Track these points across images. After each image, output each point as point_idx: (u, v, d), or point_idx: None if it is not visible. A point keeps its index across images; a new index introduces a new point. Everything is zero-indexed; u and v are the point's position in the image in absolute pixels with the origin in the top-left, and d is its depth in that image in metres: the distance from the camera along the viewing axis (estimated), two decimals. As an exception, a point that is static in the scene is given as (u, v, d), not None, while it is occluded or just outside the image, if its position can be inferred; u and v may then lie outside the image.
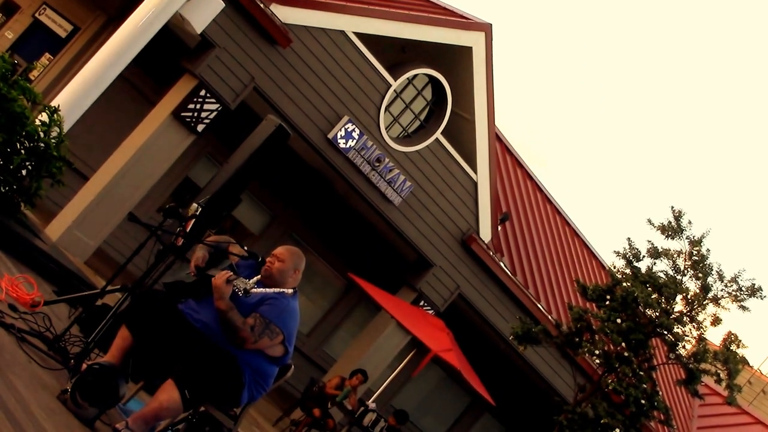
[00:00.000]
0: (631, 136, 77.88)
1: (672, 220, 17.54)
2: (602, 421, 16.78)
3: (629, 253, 17.64)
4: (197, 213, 7.44)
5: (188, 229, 7.27)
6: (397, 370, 15.94)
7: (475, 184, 17.76)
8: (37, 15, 17.16)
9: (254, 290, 6.35)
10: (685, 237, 17.49)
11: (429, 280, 18.03)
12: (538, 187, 22.99)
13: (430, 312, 17.92)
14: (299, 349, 20.23)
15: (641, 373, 16.84)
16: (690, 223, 17.50)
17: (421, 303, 18.07)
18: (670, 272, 17.47)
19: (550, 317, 19.25)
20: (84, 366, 6.44)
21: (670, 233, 17.49)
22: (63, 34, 16.95)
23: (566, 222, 24.06)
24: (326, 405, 15.69)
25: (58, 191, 12.76)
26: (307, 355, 20.86)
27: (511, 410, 24.56)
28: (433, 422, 24.35)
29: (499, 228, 18.87)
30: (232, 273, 6.37)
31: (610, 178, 77.73)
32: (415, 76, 16.77)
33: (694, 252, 17.39)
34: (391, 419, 15.78)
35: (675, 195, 75.44)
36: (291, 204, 19.71)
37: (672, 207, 17.58)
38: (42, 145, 10.39)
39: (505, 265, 18.79)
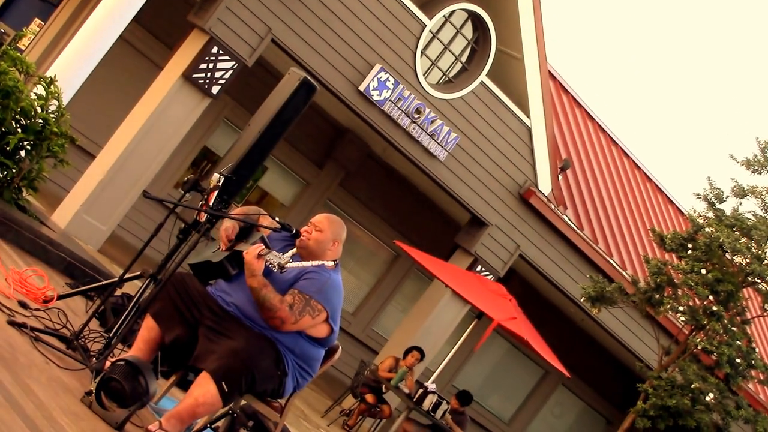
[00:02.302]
0: (705, 60, 76.78)
1: (758, 153, 17.35)
2: (693, 386, 16.73)
3: (711, 194, 17.50)
4: (219, 184, 7.43)
5: (211, 203, 7.27)
6: (456, 346, 15.91)
7: (530, 130, 17.64)
8: (22, -23, 17.22)
9: (290, 265, 6.33)
10: (774, 171, 17.33)
11: (485, 242, 17.97)
12: (601, 128, 22.81)
13: (489, 277, 17.88)
14: (345, 329, 20.32)
15: (734, 328, 16.74)
16: (779, 154, 17.32)
17: (478, 268, 18.04)
18: (760, 212, 17.32)
19: (624, 273, 19.14)
20: (108, 363, 6.47)
21: (756, 168, 17.32)
22: (53, -4, 17.03)
23: (636, 165, 23.88)
24: (380, 390, 15.74)
25: (62, 172, 12.85)
26: (354, 335, 20.96)
27: (589, 381, 24.57)
28: (502, 401, 24.41)
29: (560, 177, 18.74)
30: (264, 247, 6.35)
31: (682, 109, 76.72)
32: (452, 12, 16.63)
33: (787, 187, 17.22)
34: (454, 401, 15.78)
35: (760, 124, 74.39)
36: (324, 168, 19.73)
37: (757, 138, 17.40)
38: (40, 121, 10.43)
39: (569, 219, 18.69)
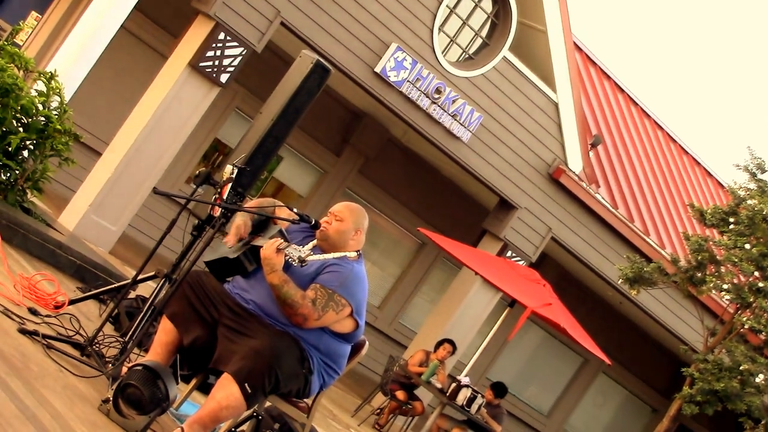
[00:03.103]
0: (741, 23, 76.32)
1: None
2: (741, 368, 16.65)
3: (752, 165, 17.40)
4: (233, 176, 7.46)
5: (225, 196, 7.29)
6: (489, 336, 15.89)
7: (556, 106, 17.60)
8: (16, -31, 17.26)
9: (311, 258, 6.33)
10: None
11: (514, 226, 17.95)
12: (632, 100, 22.74)
13: (521, 262, 17.87)
14: (371, 324, 20.34)
15: (782, 305, 16.65)
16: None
17: (509, 253, 18.02)
18: (805, 180, 17.22)
19: (663, 252, 19.09)
20: (124, 369, 6.50)
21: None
22: (49, -12, 17.04)
23: (671, 137, 23.80)
24: (411, 386, 15.75)
25: (67, 172, 12.90)
26: (381, 330, 20.98)
27: (631, 368, 24.53)
28: (540, 392, 24.40)
29: (591, 154, 18.70)
30: (283, 240, 6.35)
31: (718, 75, 76.27)
32: (470, -16, 16.63)
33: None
34: (488, 393, 15.76)
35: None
36: (342, 156, 19.73)
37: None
38: (42, 119, 10.48)
39: (602, 198, 18.65)
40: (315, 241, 6.69)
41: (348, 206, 6.79)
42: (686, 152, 24.26)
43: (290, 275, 6.30)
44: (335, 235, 6.62)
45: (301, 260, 6.20)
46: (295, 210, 6.80)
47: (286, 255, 6.30)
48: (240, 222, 6.73)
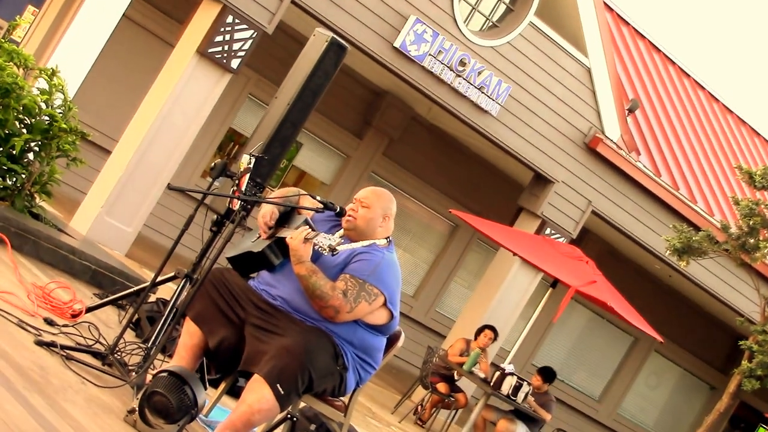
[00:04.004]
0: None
1: None
2: (803, 338, 16.58)
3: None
4: (250, 166, 7.45)
5: (243, 188, 7.29)
6: (532, 320, 15.88)
7: (589, 71, 17.51)
8: (10, -38, 17.30)
9: (340, 246, 6.31)
10: None
11: (552, 201, 17.89)
12: (668, 59, 22.61)
13: (561, 240, 17.83)
14: (407, 314, 20.35)
15: (842, 268, 16.58)
16: None
17: (548, 231, 17.97)
18: None
19: (712, 220, 19.00)
20: (149, 377, 6.51)
21: None
22: (46, -20, 17.09)
23: (713, 96, 23.65)
24: (452, 377, 15.74)
25: (76, 173, 12.92)
26: (417, 320, 20.98)
27: (685, 344, 24.46)
28: (589, 376, 24.36)
29: (629, 120, 18.61)
30: (310, 229, 6.33)
31: (759, 23, 75.41)
32: (489, -53, 16.57)
33: None
34: (535, 379, 15.68)
35: None
36: (365, 138, 19.71)
37: None
38: (46, 118, 10.49)
39: (644, 166, 18.57)
40: (342, 231, 6.67)
41: (374, 191, 6.77)
42: (730, 111, 24.10)
43: (318, 266, 6.29)
44: (363, 223, 6.59)
45: (332, 248, 6.18)
46: (318, 198, 6.79)
47: (315, 244, 6.29)
48: (266, 210, 6.72)
